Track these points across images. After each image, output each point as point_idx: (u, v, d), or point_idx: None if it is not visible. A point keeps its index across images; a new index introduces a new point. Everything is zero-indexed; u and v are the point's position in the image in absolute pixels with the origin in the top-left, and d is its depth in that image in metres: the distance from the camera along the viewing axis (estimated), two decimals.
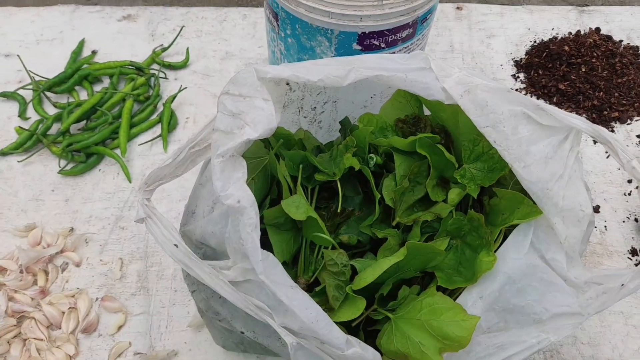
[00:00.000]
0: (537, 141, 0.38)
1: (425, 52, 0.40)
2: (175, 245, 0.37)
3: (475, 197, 0.42)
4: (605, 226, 0.69)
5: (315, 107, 0.54)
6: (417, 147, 0.42)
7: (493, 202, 0.42)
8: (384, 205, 0.44)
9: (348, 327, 0.39)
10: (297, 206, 0.40)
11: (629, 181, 0.73)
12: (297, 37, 0.57)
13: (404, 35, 0.56)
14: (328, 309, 0.39)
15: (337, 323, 0.36)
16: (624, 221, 0.69)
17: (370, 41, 0.55)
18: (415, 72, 0.38)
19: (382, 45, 0.55)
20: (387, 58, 0.39)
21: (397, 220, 0.43)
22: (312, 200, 0.45)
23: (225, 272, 0.37)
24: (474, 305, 0.38)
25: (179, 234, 0.38)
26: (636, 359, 0.58)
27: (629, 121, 0.79)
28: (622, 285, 0.38)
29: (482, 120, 0.37)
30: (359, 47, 0.56)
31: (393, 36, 0.56)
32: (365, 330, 0.41)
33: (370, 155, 0.44)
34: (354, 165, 0.43)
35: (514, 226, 0.40)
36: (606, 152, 0.76)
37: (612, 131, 0.78)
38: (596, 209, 0.70)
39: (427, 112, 0.49)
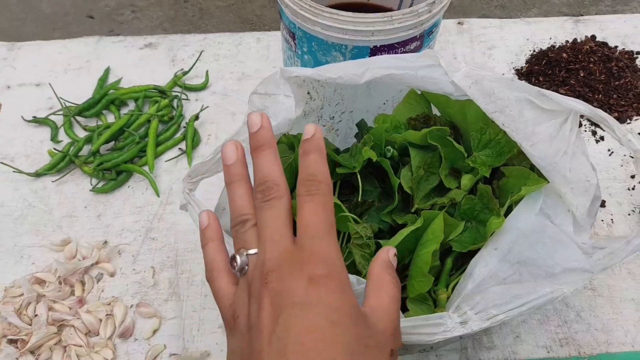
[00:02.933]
0: (540, 123, 0.42)
1: (433, 50, 0.44)
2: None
3: (488, 176, 0.46)
4: (612, 219, 0.72)
5: (333, 117, 0.58)
6: (428, 138, 0.46)
7: (502, 183, 0.46)
8: (401, 195, 0.48)
9: None
10: None
11: (632, 176, 0.76)
12: (313, 53, 0.62)
13: (412, 47, 0.61)
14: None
15: None
16: (629, 214, 0.72)
17: (381, 54, 0.60)
18: (425, 69, 0.43)
19: None
20: (398, 57, 0.44)
21: (416, 206, 0.46)
22: (335, 193, 0.49)
23: None
24: (489, 255, 0.41)
25: None
26: None
27: (628, 120, 0.83)
28: (628, 241, 0.41)
29: (491, 106, 0.42)
30: None
31: (402, 49, 0.60)
32: None
33: (388, 147, 0.49)
34: (372, 157, 0.47)
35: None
36: (608, 150, 0.79)
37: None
38: (602, 204, 0.73)
39: (435, 112, 0.54)
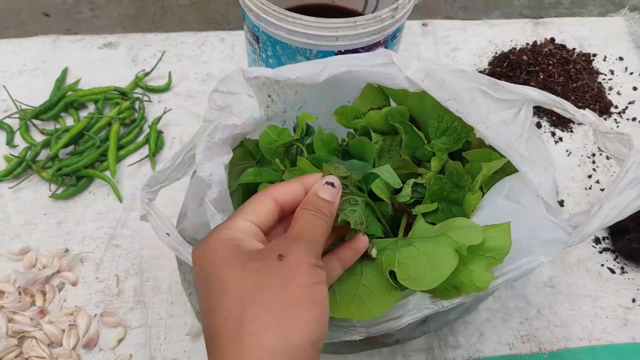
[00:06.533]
0: (495, 112, 0.42)
1: (387, 50, 0.45)
2: (167, 233, 0.41)
3: (447, 160, 0.47)
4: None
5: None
6: (389, 119, 0.47)
7: (467, 169, 0.46)
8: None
9: None
10: None
11: (589, 176, 0.79)
12: (278, 57, 0.62)
13: None
14: None
15: None
16: None
17: None
18: (380, 66, 0.43)
19: None
20: (355, 57, 0.45)
21: None
22: None
23: None
24: None
25: (173, 225, 0.42)
26: (604, 337, 0.63)
27: None
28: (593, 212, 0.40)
29: (444, 95, 0.43)
30: None
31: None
32: None
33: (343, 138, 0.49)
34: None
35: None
36: (567, 151, 0.82)
37: (571, 131, 0.85)
38: (561, 203, 0.76)
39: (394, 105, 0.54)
